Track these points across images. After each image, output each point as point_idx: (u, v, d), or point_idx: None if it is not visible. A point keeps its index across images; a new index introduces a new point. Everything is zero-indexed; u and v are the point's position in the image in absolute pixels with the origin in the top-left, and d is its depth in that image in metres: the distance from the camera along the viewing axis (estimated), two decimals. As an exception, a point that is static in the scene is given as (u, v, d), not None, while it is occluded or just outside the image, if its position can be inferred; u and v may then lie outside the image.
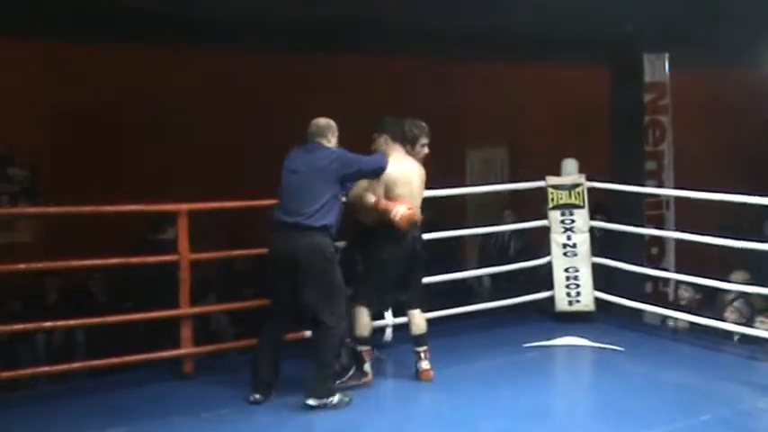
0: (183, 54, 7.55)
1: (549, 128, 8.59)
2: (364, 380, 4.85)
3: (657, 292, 7.46)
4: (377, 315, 5.27)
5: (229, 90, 7.85)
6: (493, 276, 7.45)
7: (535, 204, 6.59)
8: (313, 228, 4.49)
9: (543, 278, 6.64)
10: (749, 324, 5.84)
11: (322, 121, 4.75)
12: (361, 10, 6.62)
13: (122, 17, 6.43)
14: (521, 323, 6.32)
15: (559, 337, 5.89)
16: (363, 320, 4.86)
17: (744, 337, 5.74)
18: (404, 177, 4.85)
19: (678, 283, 6.88)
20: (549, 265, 6.44)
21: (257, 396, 4.61)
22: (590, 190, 6.34)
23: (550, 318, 6.37)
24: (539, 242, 6.73)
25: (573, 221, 6.32)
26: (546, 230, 6.41)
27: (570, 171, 6.45)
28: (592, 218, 6.52)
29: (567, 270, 6.34)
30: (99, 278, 6.89)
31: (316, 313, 4.52)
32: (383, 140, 4.92)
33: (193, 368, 5.14)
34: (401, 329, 5.77)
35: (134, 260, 5.35)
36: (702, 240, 5.73)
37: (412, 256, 4.89)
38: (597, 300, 6.34)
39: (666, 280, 7.52)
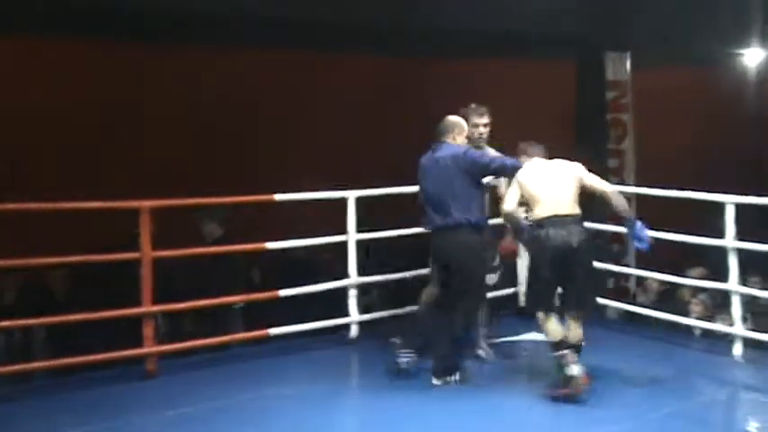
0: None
1: (514, 124, 8.63)
2: (574, 386, 4.51)
3: (619, 288, 7.54)
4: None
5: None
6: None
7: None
8: (459, 225, 4.75)
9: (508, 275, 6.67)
10: (712, 318, 5.96)
11: (448, 119, 4.99)
12: (332, 11, 6.67)
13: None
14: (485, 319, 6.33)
15: (523, 333, 5.91)
16: (548, 327, 4.66)
17: (705, 331, 5.84)
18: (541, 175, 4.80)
19: (639, 278, 6.99)
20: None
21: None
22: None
23: (515, 314, 6.38)
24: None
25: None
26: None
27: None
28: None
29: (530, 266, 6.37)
30: (64, 275, 6.75)
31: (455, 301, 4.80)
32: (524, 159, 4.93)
33: (156, 367, 5.09)
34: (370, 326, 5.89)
35: (94, 258, 5.28)
36: (662, 237, 5.80)
37: (562, 258, 4.58)
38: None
39: (628, 276, 7.62)
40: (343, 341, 5.80)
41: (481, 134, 5.31)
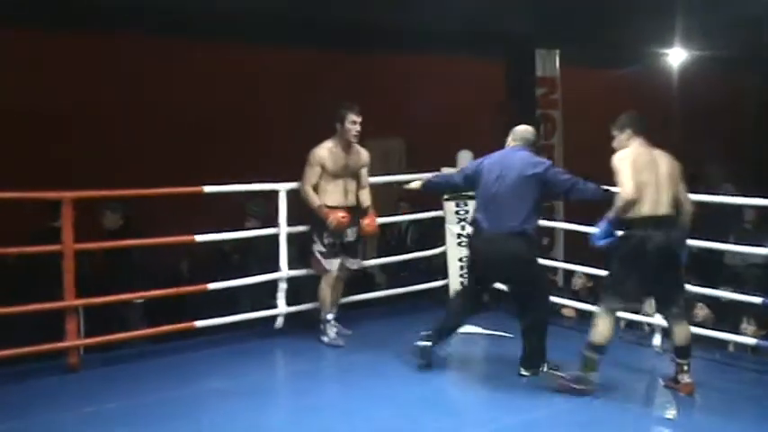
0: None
1: (447, 119, 8.70)
2: (588, 386, 4.56)
3: (548, 281, 7.66)
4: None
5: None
6: (390, 266, 7.49)
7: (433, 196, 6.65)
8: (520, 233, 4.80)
9: (440, 267, 6.74)
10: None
11: (521, 128, 5.02)
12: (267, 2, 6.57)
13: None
14: (417, 312, 6.38)
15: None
16: (606, 326, 4.54)
17: (630, 323, 5.99)
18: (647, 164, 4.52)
19: (569, 272, 7.11)
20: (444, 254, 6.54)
21: None
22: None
23: (445, 306, 6.42)
24: (437, 232, 6.84)
25: (467, 212, 6.43)
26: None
27: (465, 162, 6.54)
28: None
29: (461, 260, 6.45)
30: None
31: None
32: (625, 136, 4.68)
33: (79, 361, 4.97)
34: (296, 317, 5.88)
35: (12, 250, 5.13)
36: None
37: (652, 258, 4.39)
38: (491, 289, 6.45)
39: (556, 269, 7.76)
40: (269, 332, 5.77)
41: (357, 132, 5.45)
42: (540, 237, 4.93)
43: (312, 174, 5.43)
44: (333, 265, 5.53)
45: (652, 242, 4.36)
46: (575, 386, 4.52)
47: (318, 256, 5.53)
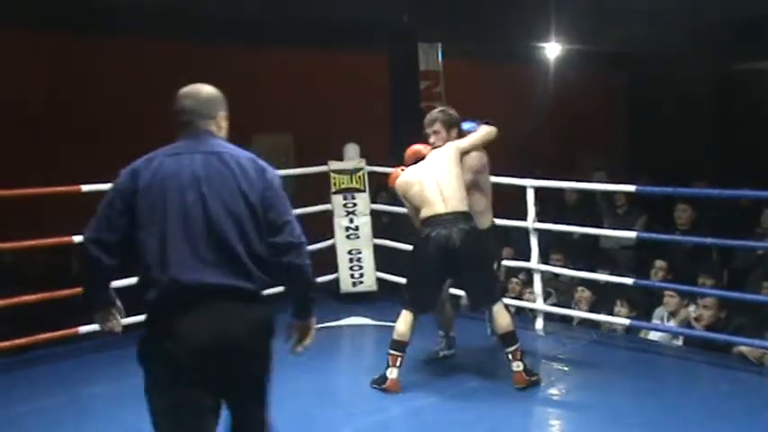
0: None
1: (334, 113, 8.71)
2: (383, 385, 4.57)
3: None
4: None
5: None
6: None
7: (321, 190, 6.65)
8: None
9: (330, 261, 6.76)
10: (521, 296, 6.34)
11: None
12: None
13: None
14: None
15: (344, 317, 6.04)
16: (398, 324, 4.57)
17: (518, 309, 6.19)
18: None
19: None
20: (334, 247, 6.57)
21: None
22: (376, 173, 6.53)
23: (335, 299, 6.48)
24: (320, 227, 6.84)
25: (355, 205, 6.48)
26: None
27: (352, 156, 6.60)
28: (378, 198, 6.76)
29: (350, 252, 6.50)
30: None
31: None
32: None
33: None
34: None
35: None
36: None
37: (451, 251, 4.40)
38: (380, 280, 6.55)
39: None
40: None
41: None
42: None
43: None
44: None
45: (433, 241, 4.43)
46: (376, 387, 4.60)
47: None
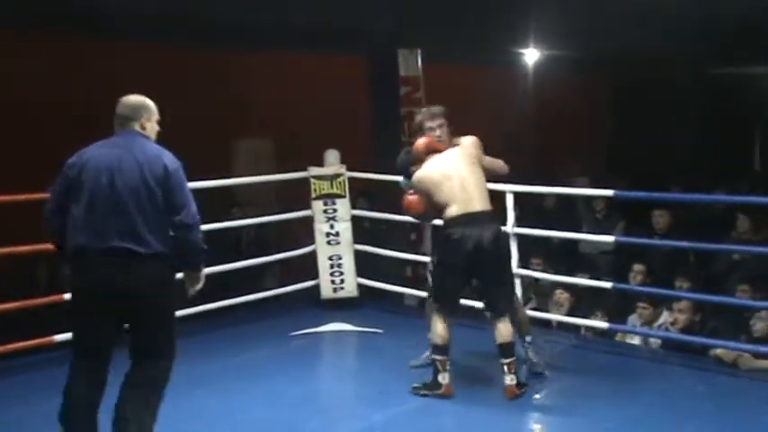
0: None
1: (314, 119, 8.69)
2: (437, 391, 4.50)
3: (416, 276, 7.84)
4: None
5: None
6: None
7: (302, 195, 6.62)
8: None
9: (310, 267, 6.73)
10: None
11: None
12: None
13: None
14: (288, 312, 6.38)
15: (325, 324, 6.02)
16: (437, 328, 4.48)
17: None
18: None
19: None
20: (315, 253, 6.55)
21: None
22: (356, 179, 6.51)
23: (316, 305, 6.47)
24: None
25: (335, 210, 6.47)
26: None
27: (332, 161, 6.58)
28: (357, 204, 6.74)
29: (330, 258, 6.48)
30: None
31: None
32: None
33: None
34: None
35: None
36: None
37: (481, 251, 4.37)
38: (361, 286, 6.53)
39: (425, 263, 7.92)
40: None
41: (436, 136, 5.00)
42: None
43: None
44: None
45: (464, 239, 4.37)
46: (426, 393, 4.53)
47: None
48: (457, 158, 4.55)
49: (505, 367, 4.46)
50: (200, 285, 3.67)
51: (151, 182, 3.43)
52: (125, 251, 3.39)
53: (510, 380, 4.46)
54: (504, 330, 4.49)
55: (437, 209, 4.55)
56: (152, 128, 3.65)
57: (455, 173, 4.48)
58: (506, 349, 4.47)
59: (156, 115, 3.68)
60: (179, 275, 3.63)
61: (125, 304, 3.44)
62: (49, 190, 3.65)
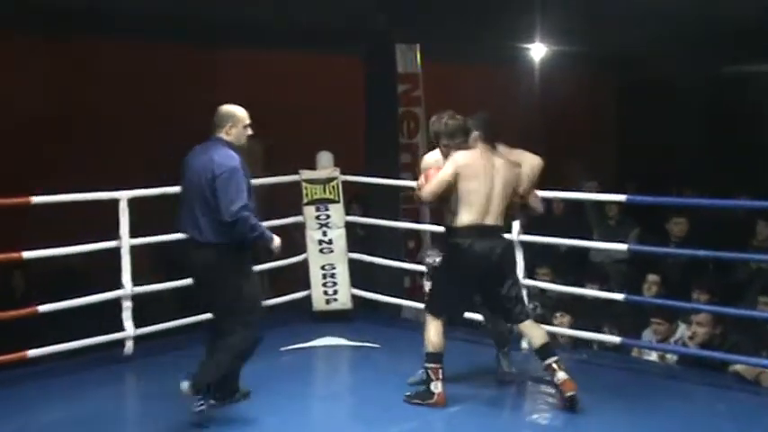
0: None
1: (306, 119, 8.45)
2: (429, 400, 4.42)
3: (415, 287, 7.52)
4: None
5: None
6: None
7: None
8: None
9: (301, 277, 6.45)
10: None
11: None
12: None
13: None
14: (277, 326, 6.02)
15: (317, 338, 5.80)
16: (430, 335, 4.43)
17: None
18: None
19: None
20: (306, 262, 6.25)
21: None
22: (350, 182, 6.30)
23: (308, 318, 6.25)
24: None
25: (328, 217, 6.21)
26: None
27: (325, 164, 6.36)
28: (350, 210, 6.52)
29: (323, 267, 6.23)
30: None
31: None
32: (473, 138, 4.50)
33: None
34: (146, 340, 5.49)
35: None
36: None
37: (491, 263, 4.37)
38: (355, 297, 6.31)
39: (423, 274, 7.62)
40: (116, 359, 5.30)
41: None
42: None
43: None
44: None
45: (474, 251, 4.35)
46: (418, 402, 4.45)
47: None
48: (500, 169, 4.43)
49: (554, 365, 4.38)
50: (274, 253, 4.42)
51: (204, 184, 4.12)
52: (191, 240, 4.24)
53: (563, 376, 4.36)
54: (535, 333, 4.50)
55: (448, 203, 4.47)
56: (237, 133, 4.26)
57: (488, 180, 4.40)
58: (546, 350, 4.43)
59: (243, 122, 4.27)
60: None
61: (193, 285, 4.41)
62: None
